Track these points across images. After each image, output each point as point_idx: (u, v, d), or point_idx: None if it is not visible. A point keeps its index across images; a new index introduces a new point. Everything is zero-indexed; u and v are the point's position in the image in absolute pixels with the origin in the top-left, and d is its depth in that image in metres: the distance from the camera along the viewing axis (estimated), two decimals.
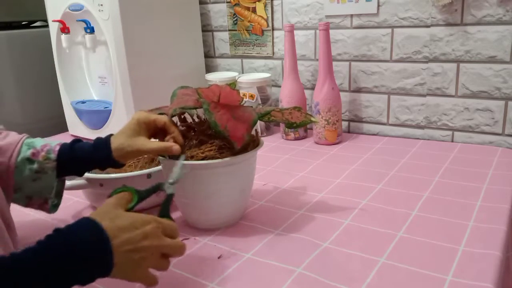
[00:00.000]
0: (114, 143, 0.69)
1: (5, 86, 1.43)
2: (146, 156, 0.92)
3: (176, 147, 0.68)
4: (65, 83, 1.37)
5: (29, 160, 0.68)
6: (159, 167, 0.80)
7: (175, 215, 0.83)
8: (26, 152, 0.68)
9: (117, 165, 0.71)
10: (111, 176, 0.79)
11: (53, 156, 0.69)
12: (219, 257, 0.68)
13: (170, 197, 0.63)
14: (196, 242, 0.73)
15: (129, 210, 0.56)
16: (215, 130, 0.68)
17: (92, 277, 0.47)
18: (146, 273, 0.53)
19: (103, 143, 0.70)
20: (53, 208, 0.72)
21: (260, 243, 0.71)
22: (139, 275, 0.52)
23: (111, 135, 0.71)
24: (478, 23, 1.06)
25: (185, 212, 0.79)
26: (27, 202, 0.70)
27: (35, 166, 0.68)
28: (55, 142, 0.71)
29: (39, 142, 0.70)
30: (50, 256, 0.44)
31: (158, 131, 0.73)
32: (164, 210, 0.61)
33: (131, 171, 0.82)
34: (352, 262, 0.65)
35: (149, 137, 0.72)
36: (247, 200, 0.81)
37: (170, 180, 0.64)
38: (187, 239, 0.74)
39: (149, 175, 0.81)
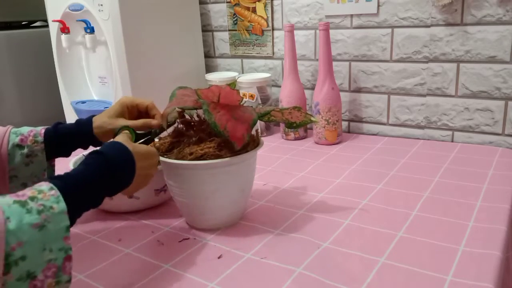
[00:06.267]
0: (96, 122, 0.77)
1: (5, 86, 1.43)
2: None
3: (155, 122, 0.78)
4: (65, 83, 1.37)
5: (19, 146, 0.73)
6: (159, 167, 0.80)
7: (177, 214, 0.83)
8: (15, 139, 0.73)
9: (97, 144, 0.77)
10: None
11: (40, 138, 0.74)
12: (219, 257, 0.68)
13: (153, 139, 0.79)
14: (196, 242, 0.73)
15: None
16: (215, 130, 0.68)
17: (120, 188, 0.62)
18: (146, 184, 0.69)
19: (85, 121, 0.78)
20: None
21: (260, 243, 0.71)
22: (142, 186, 0.68)
23: (93, 115, 0.78)
24: (478, 23, 1.06)
25: (185, 212, 0.79)
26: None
27: (25, 150, 0.73)
28: (40, 127, 0.76)
29: (24, 129, 0.75)
30: (97, 173, 0.58)
31: (141, 115, 0.80)
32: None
33: None
34: (352, 262, 0.65)
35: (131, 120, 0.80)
36: (247, 200, 0.81)
37: (157, 130, 0.79)
38: (187, 239, 0.74)
39: None
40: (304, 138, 1.26)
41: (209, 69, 1.54)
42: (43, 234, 0.47)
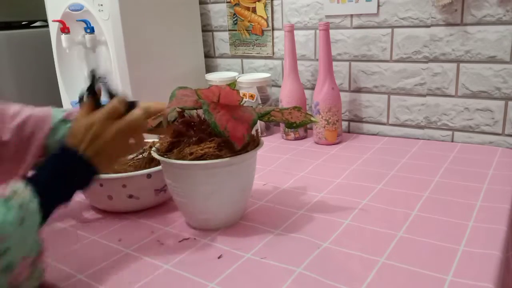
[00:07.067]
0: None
1: (5, 86, 1.43)
2: (145, 156, 0.92)
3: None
4: (65, 83, 1.37)
5: (64, 121, 0.79)
6: (159, 167, 0.80)
7: (177, 214, 0.83)
8: (60, 116, 0.79)
9: None
10: (111, 176, 0.80)
11: None
12: (219, 257, 0.68)
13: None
14: (196, 242, 0.73)
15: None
16: (215, 131, 0.68)
17: (86, 180, 0.62)
18: (123, 149, 0.66)
19: None
20: None
21: (260, 243, 0.71)
22: (117, 153, 0.65)
23: None
24: (478, 23, 1.06)
25: (185, 212, 0.79)
26: None
27: (70, 124, 0.76)
28: None
29: (67, 108, 0.81)
30: (52, 176, 0.58)
31: None
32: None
33: (131, 171, 0.82)
34: (352, 262, 0.65)
35: None
36: (247, 200, 0.81)
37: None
38: (187, 239, 0.74)
39: (149, 175, 0.81)
40: (304, 138, 1.26)
41: (209, 69, 1.54)
42: (23, 229, 0.51)
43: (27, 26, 1.61)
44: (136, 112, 0.64)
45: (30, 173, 0.59)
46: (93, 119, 0.62)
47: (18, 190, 0.53)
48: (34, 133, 0.77)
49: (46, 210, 0.56)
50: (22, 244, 0.51)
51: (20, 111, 0.77)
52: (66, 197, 0.60)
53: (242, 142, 0.69)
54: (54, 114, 0.80)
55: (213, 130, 0.70)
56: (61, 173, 0.59)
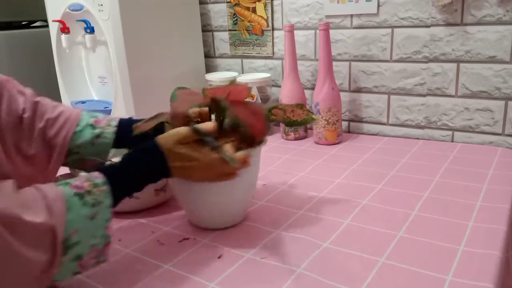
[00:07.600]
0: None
1: None
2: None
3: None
4: (65, 83, 1.37)
5: (92, 126, 0.78)
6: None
7: (177, 214, 0.83)
8: (89, 120, 0.78)
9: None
10: None
11: (114, 123, 0.79)
12: (219, 257, 0.68)
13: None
14: (196, 242, 0.73)
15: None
16: (237, 126, 0.67)
17: (158, 179, 0.65)
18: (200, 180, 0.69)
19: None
20: None
21: (260, 243, 0.71)
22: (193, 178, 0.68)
23: None
24: (478, 23, 1.06)
25: (188, 211, 0.79)
26: (81, 163, 0.79)
27: (97, 131, 0.78)
28: (115, 116, 0.81)
29: (99, 114, 0.81)
30: (133, 168, 0.63)
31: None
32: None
33: None
34: (352, 262, 0.65)
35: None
36: (249, 199, 0.81)
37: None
38: (187, 239, 0.74)
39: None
40: (304, 138, 1.26)
41: (209, 69, 1.54)
42: (93, 224, 0.55)
43: (27, 26, 1.61)
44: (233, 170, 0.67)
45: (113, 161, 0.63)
46: (198, 156, 0.65)
47: (96, 186, 0.57)
48: (58, 133, 0.75)
49: (116, 201, 0.60)
50: (92, 237, 0.56)
51: (54, 108, 0.77)
52: (136, 190, 0.64)
53: (263, 133, 0.70)
54: (83, 117, 0.78)
55: (226, 127, 0.68)
56: (141, 171, 0.63)
